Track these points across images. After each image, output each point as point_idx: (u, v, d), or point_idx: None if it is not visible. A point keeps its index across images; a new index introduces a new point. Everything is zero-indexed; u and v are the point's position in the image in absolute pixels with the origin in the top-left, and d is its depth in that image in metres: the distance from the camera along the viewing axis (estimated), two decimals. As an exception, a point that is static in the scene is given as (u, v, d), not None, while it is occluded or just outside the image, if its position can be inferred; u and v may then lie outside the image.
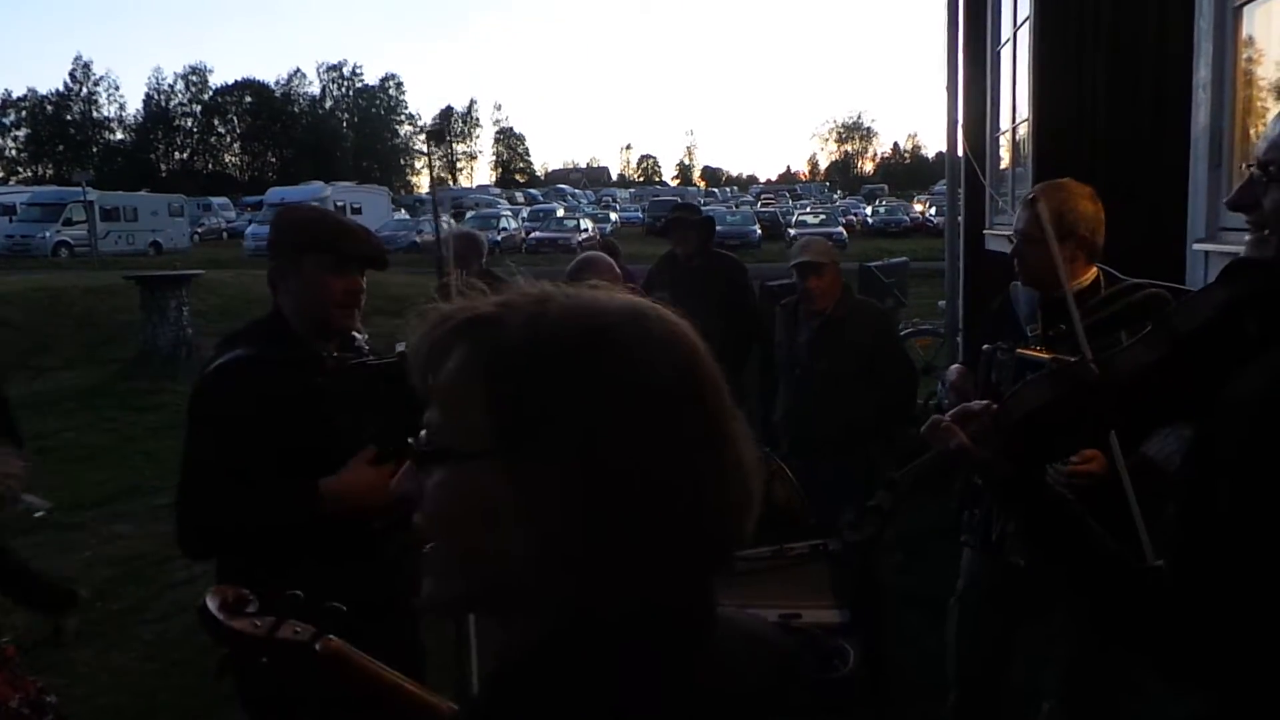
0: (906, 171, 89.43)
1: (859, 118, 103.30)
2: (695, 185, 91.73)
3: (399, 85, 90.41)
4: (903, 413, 3.82)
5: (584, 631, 0.63)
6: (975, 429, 1.14)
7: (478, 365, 0.64)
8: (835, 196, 59.10)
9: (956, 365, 2.46)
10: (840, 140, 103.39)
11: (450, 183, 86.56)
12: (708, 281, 4.48)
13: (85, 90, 78.27)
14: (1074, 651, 2.31)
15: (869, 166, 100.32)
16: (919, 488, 1.28)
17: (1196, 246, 2.84)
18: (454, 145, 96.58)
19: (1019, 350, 2.21)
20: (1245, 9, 2.68)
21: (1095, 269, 2.32)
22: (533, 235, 31.41)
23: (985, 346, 2.33)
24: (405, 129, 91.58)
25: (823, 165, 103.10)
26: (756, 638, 0.74)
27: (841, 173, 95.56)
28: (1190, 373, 1.10)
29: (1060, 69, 4.71)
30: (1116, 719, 2.36)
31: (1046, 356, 2.11)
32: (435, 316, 0.68)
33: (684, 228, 4.66)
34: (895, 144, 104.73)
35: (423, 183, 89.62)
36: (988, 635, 2.48)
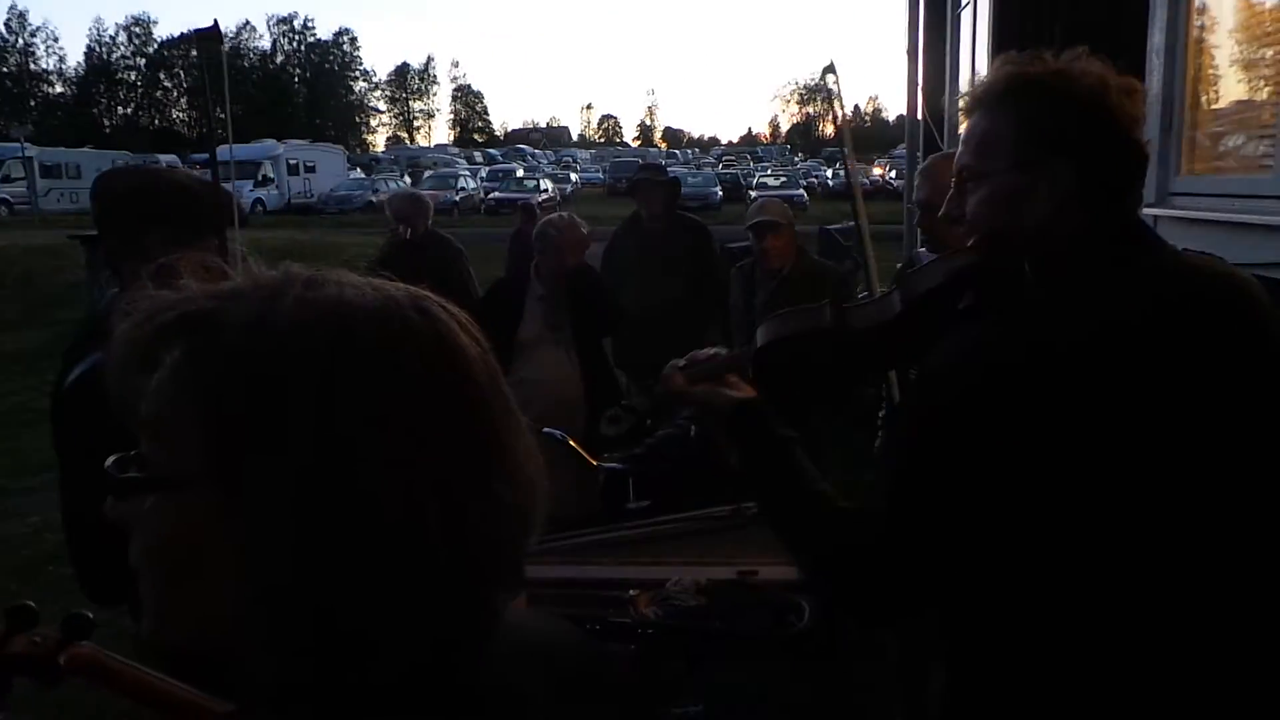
0: (867, 135, 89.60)
1: (821, 79, 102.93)
2: (657, 146, 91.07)
3: (353, 41, 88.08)
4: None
5: (322, 695, 0.55)
6: (694, 372, 1.28)
7: (188, 374, 0.54)
8: (796, 159, 59.13)
9: None
10: (802, 102, 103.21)
11: (407, 141, 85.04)
12: (672, 244, 4.47)
13: (21, 41, 75.12)
14: None
15: (830, 129, 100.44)
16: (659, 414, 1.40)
17: (1146, 211, 2.89)
18: (411, 103, 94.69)
19: None
20: (1199, -25, 2.71)
21: None
22: (492, 195, 31.01)
23: None
24: (360, 85, 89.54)
25: (784, 128, 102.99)
26: (545, 655, 0.66)
27: (803, 135, 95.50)
28: (910, 333, 1.20)
29: (1018, 31, 4.73)
30: None
31: None
32: (144, 310, 0.57)
33: (650, 188, 4.63)
34: (856, 107, 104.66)
35: (379, 141, 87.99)
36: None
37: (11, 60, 74.87)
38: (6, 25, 74.70)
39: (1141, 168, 1.10)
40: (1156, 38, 2.83)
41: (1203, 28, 2.77)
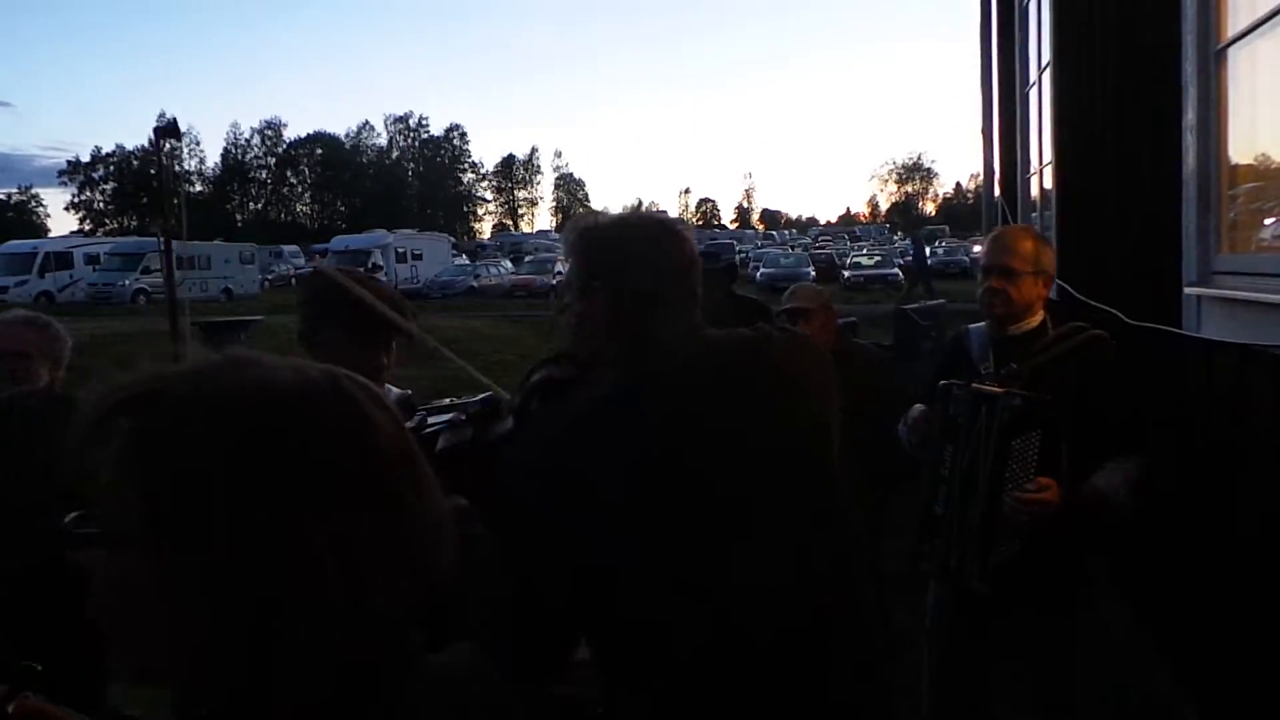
0: (969, 212, 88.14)
1: (919, 158, 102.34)
2: (754, 228, 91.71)
3: (463, 135, 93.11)
4: (886, 467, 3.63)
5: None
6: None
7: (132, 446, 0.64)
8: (895, 238, 58.58)
9: (918, 405, 2.48)
10: (900, 181, 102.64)
11: (511, 228, 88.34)
12: (730, 325, 4.53)
13: (168, 146, 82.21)
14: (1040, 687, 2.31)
15: (930, 207, 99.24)
16: None
17: (1188, 290, 2.81)
18: (516, 192, 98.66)
19: (974, 385, 2.27)
20: (1229, 51, 2.68)
21: (1043, 310, 2.41)
22: (588, 279, 31.72)
23: (941, 383, 2.37)
24: (468, 177, 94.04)
25: (883, 206, 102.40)
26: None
27: (903, 214, 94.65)
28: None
29: (1076, 111, 4.70)
30: None
31: (1000, 390, 2.18)
32: (104, 388, 0.67)
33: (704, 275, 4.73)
34: (958, 184, 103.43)
35: (485, 228, 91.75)
36: (961, 673, 2.45)
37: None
38: (155, 131, 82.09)
39: (666, 280, 1.43)
40: (1189, 115, 2.80)
41: (1238, 101, 2.72)
